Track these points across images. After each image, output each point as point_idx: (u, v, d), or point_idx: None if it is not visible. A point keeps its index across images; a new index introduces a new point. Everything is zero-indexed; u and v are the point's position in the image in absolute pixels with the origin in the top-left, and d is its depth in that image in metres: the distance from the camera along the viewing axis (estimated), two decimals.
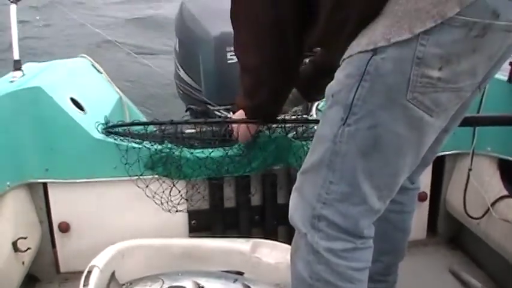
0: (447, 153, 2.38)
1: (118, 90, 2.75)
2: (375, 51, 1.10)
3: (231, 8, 1.43)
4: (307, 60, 2.05)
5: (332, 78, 1.27)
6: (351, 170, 1.18)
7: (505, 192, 2.17)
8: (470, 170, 2.27)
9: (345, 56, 1.19)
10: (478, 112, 2.08)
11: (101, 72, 2.79)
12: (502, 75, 2.10)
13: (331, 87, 1.22)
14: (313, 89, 1.87)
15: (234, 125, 1.78)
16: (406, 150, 1.18)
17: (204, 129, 2.15)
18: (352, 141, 1.16)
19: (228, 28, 2.49)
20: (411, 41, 1.06)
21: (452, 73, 1.08)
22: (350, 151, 1.17)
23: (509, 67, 2.08)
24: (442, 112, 1.15)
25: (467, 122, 1.58)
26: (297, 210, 1.31)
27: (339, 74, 1.20)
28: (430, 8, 1.03)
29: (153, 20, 9.76)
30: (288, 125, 1.88)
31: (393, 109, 1.12)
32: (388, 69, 1.09)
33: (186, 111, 2.81)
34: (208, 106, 2.66)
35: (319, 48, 1.74)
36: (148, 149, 1.92)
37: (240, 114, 1.71)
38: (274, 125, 1.84)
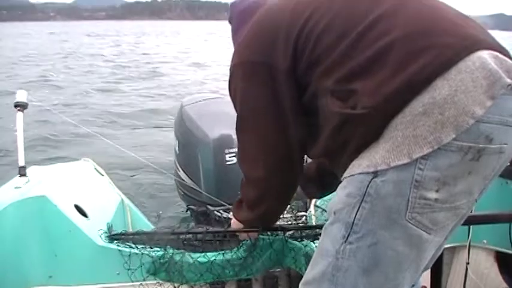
0: (444, 246, 2.41)
1: (120, 192, 2.81)
2: (375, 173, 1.15)
3: (237, 123, 1.51)
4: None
5: (334, 178, 1.34)
6: (353, 285, 1.22)
7: (504, 285, 2.18)
8: (467, 263, 2.30)
9: (346, 175, 1.24)
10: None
11: (103, 175, 2.86)
12: None
13: (333, 204, 1.27)
14: (315, 187, 1.93)
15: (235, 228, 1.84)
16: (406, 266, 1.21)
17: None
18: (354, 258, 1.20)
19: (227, 130, 2.62)
20: (410, 165, 1.12)
21: (448, 194, 1.14)
22: (352, 267, 1.21)
23: None
24: (440, 229, 1.20)
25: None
26: None
27: (340, 192, 1.25)
28: (427, 135, 1.10)
29: None
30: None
31: (393, 228, 1.16)
32: (388, 192, 1.14)
33: (187, 211, 2.87)
34: (208, 206, 2.71)
35: None
36: (151, 256, 1.96)
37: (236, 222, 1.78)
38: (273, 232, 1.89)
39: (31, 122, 8.59)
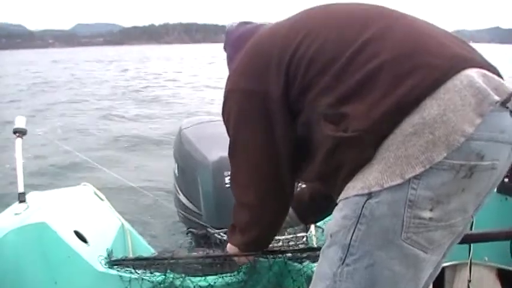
0: (446, 264, 2.39)
1: (120, 217, 2.81)
2: (369, 195, 1.16)
3: (230, 148, 1.52)
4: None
5: (328, 203, 1.34)
6: None
7: None
8: (469, 281, 2.28)
9: (341, 197, 1.25)
10: (471, 225, 2.13)
11: (103, 200, 2.86)
12: None
13: (329, 227, 1.28)
14: (310, 213, 1.93)
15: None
16: (403, 285, 1.21)
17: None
18: (351, 280, 1.21)
19: (225, 153, 2.60)
20: (403, 186, 1.13)
21: (443, 212, 1.15)
22: None
23: None
24: (436, 248, 1.21)
25: (463, 240, 1.62)
26: None
27: (336, 214, 1.26)
28: (418, 155, 1.11)
29: None
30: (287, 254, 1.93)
31: (389, 249, 1.17)
32: (383, 213, 1.15)
33: (187, 234, 2.87)
34: (208, 229, 2.71)
35: None
36: (152, 282, 1.95)
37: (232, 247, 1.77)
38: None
39: (34, 148, 8.67)
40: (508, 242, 2.11)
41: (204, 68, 36.56)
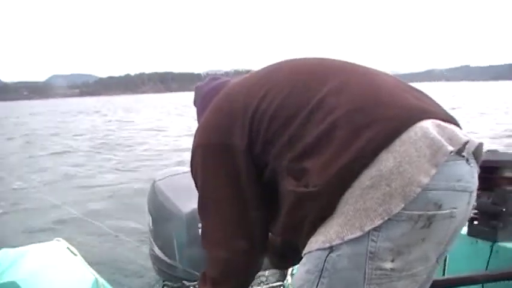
0: None
1: (94, 272, 2.75)
2: (331, 248, 1.17)
3: (199, 202, 1.51)
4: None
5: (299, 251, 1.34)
6: None
7: None
8: None
9: (305, 251, 1.25)
10: (444, 267, 2.14)
11: (76, 255, 2.82)
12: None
13: (295, 281, 1.28)
14: (283, 260, 1.92)
15: None
16: None
17: None
18: None
19: None
20: (363, 238, 1.14)
21: (404, 263, 1.16)
22: None
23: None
24: None
25: (436, 286, 1.62)
26: None
27: (300, 269, 1.26)
28: (376, 207, 1.12)
29: None
30: None
31: None
32: (344, 265, 1.16)
33: (163, 287, 2.83)
34: (184, 282, 2.68)
35: None
36: None
37: None
38: None
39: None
40: (481, 285, 2.12)
41: (185, 117, 36.53)
